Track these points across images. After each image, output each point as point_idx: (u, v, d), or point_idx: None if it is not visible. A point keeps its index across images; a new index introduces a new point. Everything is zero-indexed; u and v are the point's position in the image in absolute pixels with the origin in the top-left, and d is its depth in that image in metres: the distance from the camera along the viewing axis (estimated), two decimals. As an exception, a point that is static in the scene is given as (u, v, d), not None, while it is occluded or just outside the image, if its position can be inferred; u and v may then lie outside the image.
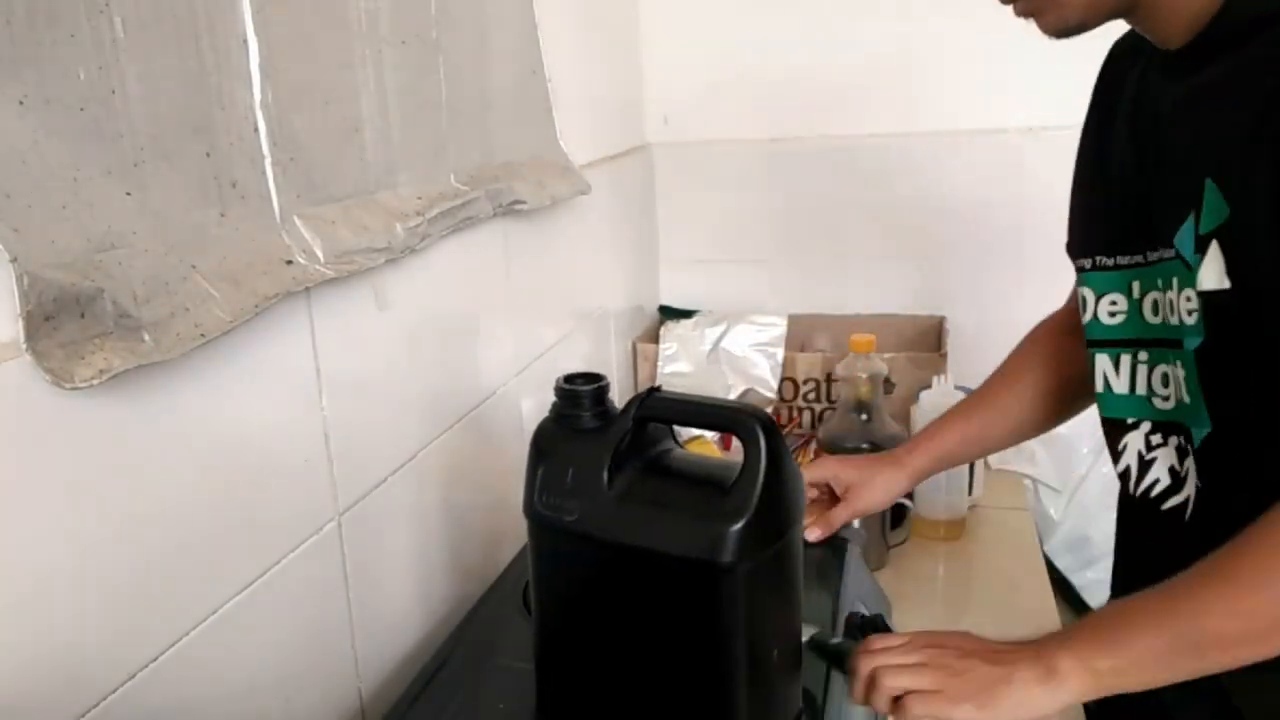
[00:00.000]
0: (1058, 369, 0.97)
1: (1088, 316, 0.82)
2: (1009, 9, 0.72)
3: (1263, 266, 0.63)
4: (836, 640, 0.77)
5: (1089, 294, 0.82)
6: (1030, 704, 0.65)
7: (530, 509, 0.69)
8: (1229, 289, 0.66)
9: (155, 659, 0.63)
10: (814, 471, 1.00)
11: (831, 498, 1.01)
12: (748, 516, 0.62)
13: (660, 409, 0.69)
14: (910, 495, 1.35)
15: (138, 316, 0.57)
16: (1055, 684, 0.64)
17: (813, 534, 0.96)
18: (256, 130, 0.70)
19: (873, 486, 0.99)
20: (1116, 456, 0.83)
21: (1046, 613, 1.19)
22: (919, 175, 1.64)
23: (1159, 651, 0.63)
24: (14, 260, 0.51)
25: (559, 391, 0.71)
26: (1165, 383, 0.77)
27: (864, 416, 1.38)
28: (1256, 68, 0.63)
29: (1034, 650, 0.66)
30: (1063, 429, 1.59)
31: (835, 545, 1.02)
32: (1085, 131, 0.88)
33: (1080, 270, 0.85)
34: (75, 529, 0.57)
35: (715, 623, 0.64)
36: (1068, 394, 0.97)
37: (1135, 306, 0.78)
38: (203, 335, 0.61)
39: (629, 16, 1.65)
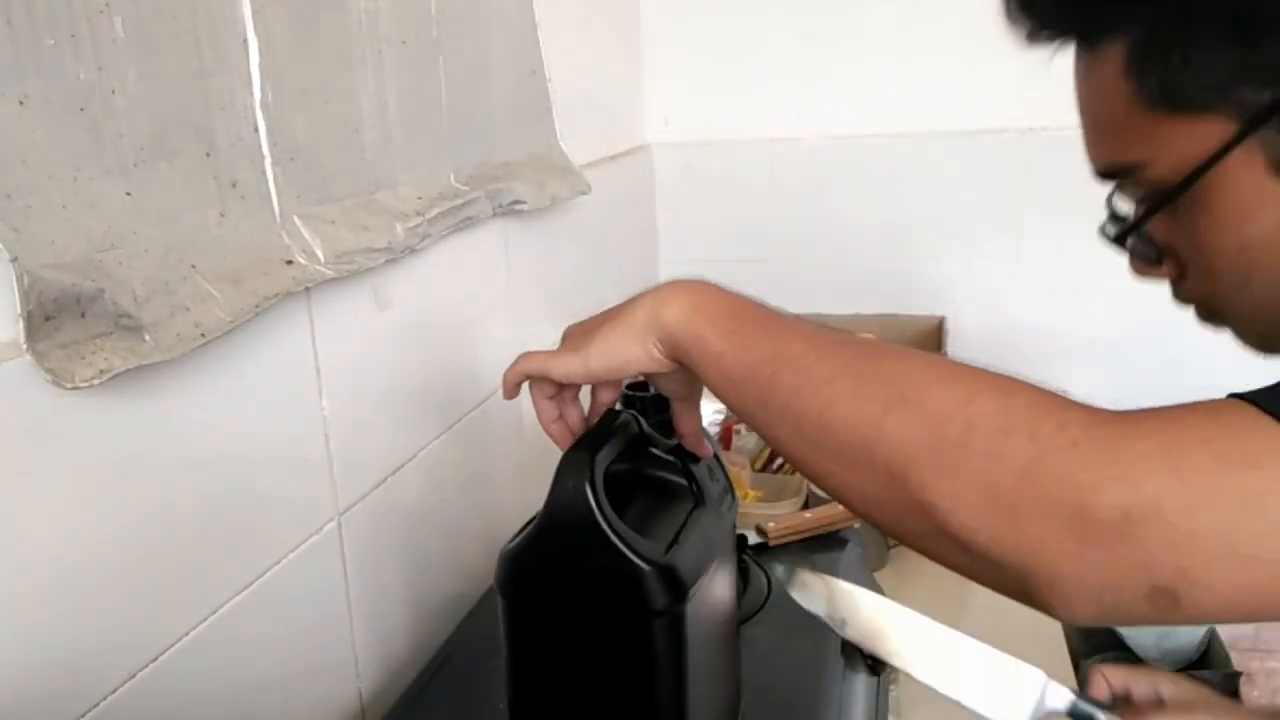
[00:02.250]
0: None
1: None
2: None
3: None
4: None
5: None
6: (626, 332, 0.61)
7: None
8: None
9: (155, 659, 0.63)
10: None
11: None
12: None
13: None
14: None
15: (138, 316, 0.57)
16: (652, 311, 0.60)
17: None
18: (256, 130, 0.70)
19: None
20: None
21: (1046, 613, 1.19)
22: (919, 175, 1.64)
23: (746, 365, 0.55)
24: (14, 260, 0.51)
25: (625, 400, 0.70)
26: None
27: (864, 416, 1.37)
28: None
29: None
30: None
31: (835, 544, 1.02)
32: None
33: None
34: (75, 529, 0.57)
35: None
36: None
37: None
38: (203, 335, 0.61)
39: (629, 16, 1.65)
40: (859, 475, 0.51)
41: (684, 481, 0.68)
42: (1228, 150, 0.51)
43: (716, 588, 0.64)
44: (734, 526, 0.71)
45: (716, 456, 0.72)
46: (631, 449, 0.66)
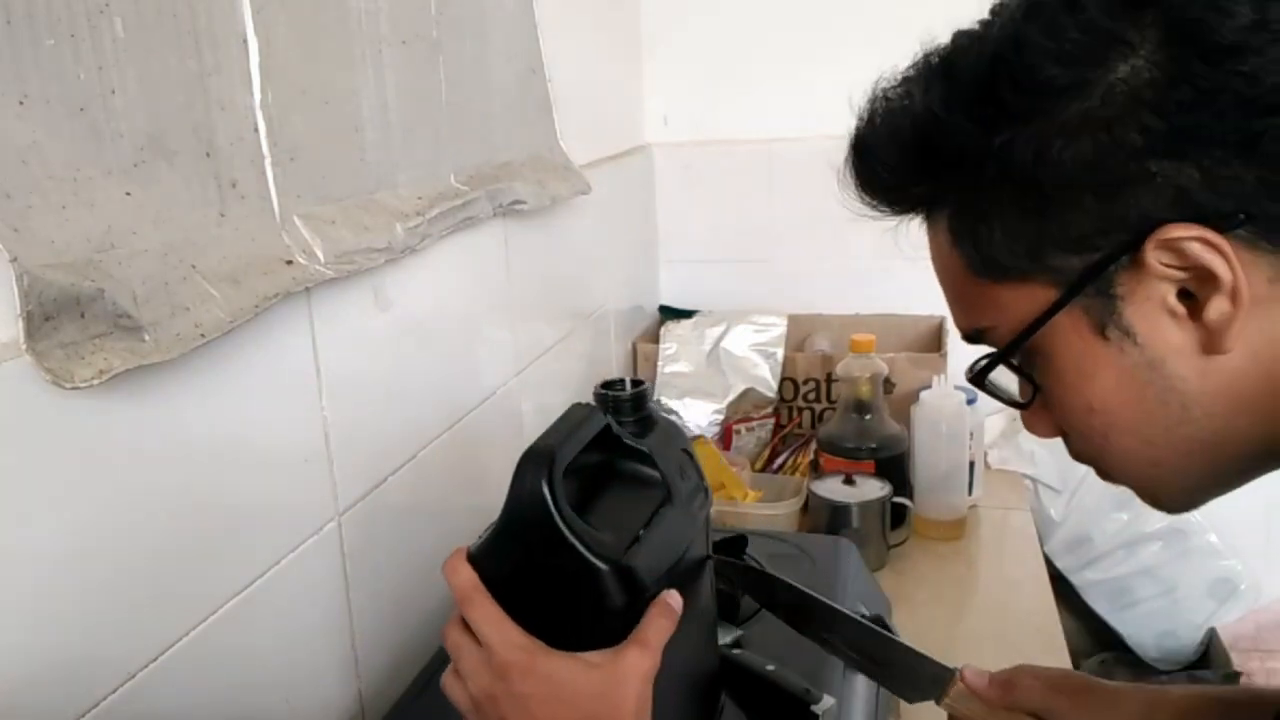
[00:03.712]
0: None
1: None
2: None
3: None
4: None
5: None
6: None
7: None
8: None
9: (155, 659, 0.63)
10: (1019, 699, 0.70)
11: None
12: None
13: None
14: (910, 495, 1.36)
15: (138, 316, 0.57)
16: None
17: None
18: (256, 130, 0.70)
19: None
20: None
21: (1046, 612, 1.20)
22: (919, 175, 1.64)
23: None
24: (14, 260, 0.51)
25: (598, 398, 0.70)
26: None
27: (864, 416, 1.38)
28: None
29: None
30: (1063, 429, 1.60)
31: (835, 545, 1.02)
32: None
33: None
34: (75, 529, 0.57)
35: None
36: None
37: None
38: (203, 335, 0.61)
39: (629, 16, 1.65)
40: None
41: (654, 478, 0.68)
42: (1049, 316, 0.53)
43: (683, 585, 0.63)
44: (707, 523, 0.71)
45: (689, 455, 0.72)
46: (600, 445, 0.66)
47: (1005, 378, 0.59)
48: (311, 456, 0.79)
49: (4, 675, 0.53)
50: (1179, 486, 0.56)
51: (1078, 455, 0.59)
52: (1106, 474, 0.58)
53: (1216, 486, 0.56)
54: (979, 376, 0.59)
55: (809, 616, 0.75)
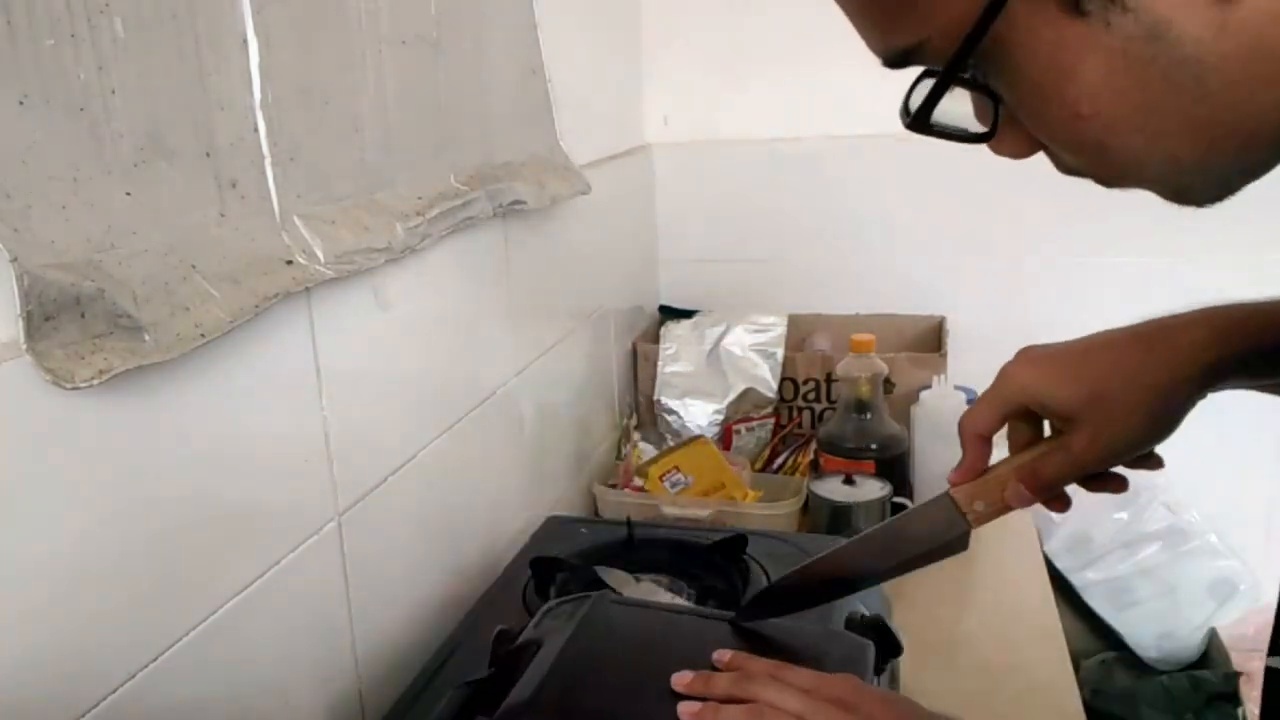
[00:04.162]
0: None
1: None
2: None
3: None
4: None
5: None
6: None
7: None
8: None
9: (155, 659, 0.63)
10: (998, 400, 0.68)
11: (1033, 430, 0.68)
12: None
13: None
14: (910, 495, 1.36)
15: (138, 316, 0.57)
16: None
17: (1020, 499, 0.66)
18: (256, 130, 0.70)
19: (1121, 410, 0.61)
20: None
21: (1046, 613, 1.19)
22: (919, 175, 1.64)
23: None
24: (14, 260, 0.51)
25: None
26: None
27: (864, 416, 1.38)
28: None
29: None
30: (1063, 429, 1.60)
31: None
32: None
33: None
34: (75, 529, 0.57)
35: None
36: None
37: None
38: (203, 335, 0.61)
39: (629, 16, 1.65)
40: None
41: None
42: (1001, 2, 0.41)
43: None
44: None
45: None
46: None
47: (956, 105, 0.46)
48: (311, 456, 0.79)
49: (4, 675, 0.53)
50: (1209, 179, 0.45)
51: (1070, 170, 0.48)
52: (1112, 183, 0.47)
53: (1248, 174, 0.45)
54: (923, 113, 0.46)
55: (817, 585, 0.74)
